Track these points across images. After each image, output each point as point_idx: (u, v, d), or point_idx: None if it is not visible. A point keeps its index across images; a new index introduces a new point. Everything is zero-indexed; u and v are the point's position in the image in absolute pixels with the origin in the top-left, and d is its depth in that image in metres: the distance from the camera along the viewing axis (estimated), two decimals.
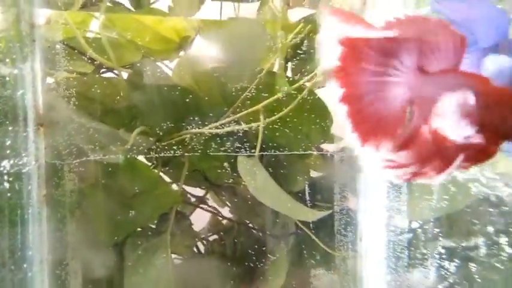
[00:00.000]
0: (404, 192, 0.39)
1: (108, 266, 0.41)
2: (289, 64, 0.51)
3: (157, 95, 0.47)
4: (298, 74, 0.50)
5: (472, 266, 0.33)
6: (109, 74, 0.50)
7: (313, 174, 0.53)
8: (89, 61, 0.47)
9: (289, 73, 0.53)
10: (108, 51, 0.44)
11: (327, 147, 0.51)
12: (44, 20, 0.38)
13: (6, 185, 0.30)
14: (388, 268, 0.40)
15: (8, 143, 0.31)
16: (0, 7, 0.34)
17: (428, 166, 0.22)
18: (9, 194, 0.31)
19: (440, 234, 0.37)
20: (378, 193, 0.41)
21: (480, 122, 0.22)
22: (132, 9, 0.50)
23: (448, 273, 0.35)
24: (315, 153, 0.46)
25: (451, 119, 0.21)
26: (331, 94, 0.37)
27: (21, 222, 0.33)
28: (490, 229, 0.31)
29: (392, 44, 0.21)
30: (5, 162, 0.30)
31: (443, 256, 0.35)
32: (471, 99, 0.23)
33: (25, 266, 0.33)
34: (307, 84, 0.45)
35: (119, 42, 0.48)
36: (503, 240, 0.31)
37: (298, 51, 0.49)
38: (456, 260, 0.34)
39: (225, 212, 0.58)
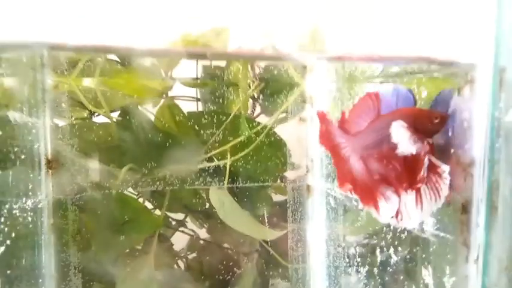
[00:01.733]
0: (341, 214, 0.49)
1: (102, 281, 0.50)
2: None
3: (142, 136, 0.57)
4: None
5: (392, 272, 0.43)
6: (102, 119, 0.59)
7: (277, 198, 0.62)
8: (85, 109, 0.56)
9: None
10: (101, 101, 0.54)
11: (289, 174, 0.61)
12: (52, 86, 0.47)
13: (29, 218, 0.39)
14: (329, 275, 0.49)
15: (30, 186, 0.40)
16: (20, 77, 0.43)
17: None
18: (30, 226, 0.40)
19: (369, 247, 0.47)
20: (321, 215, 0.51)
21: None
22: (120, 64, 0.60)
23: (376, 277, 0.45)
24: (270, 184, 0.56)
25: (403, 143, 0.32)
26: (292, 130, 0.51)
27: (37, 246, 0.41)
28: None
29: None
30: (28, 201, 0.39)
31: (372, 264, 0.45)
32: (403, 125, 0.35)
33: (40, 281, 0.41)
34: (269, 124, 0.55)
35: (110, 92, 0.57)
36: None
37: (264, 97, 0.60)
38: (381, 267, 0.44)
39: (203, 233, 0.66)
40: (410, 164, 0.31)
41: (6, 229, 0.32)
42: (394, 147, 0.32)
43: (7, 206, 0.33)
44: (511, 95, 0.25)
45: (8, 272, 0.34)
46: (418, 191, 0.31)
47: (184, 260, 0.65)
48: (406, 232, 0.38)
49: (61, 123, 0.50)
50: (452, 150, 0.30)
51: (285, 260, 0.53)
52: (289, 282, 0.52)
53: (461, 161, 0.28)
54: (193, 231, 0.64)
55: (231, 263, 0.57)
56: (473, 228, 0.27)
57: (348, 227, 0.48)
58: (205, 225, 0.64)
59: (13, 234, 0.33)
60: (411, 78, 0.36)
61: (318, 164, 0.52)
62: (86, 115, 0.57)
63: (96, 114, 0.56)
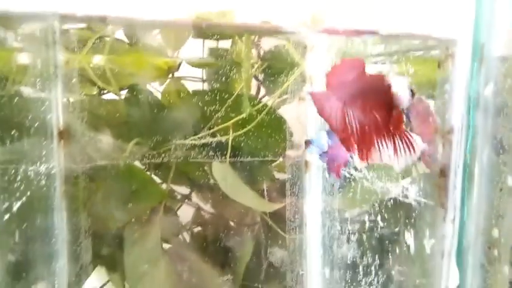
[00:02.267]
0: (336, 188, 0.52)
1: (111, 245, 0.53)
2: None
3: (149, 113, 0.59)
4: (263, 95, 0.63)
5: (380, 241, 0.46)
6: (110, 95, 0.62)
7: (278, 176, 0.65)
8: (94, 86, 0.59)
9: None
10: (110, 78, 0.57)
11: (290, 152, 0.64)
12: (64, 62, 0.49)
13: (43, 182, 0.42)
14: (324, 245, 0.52)
15: (44, 152, 0.43)
16: (33, 53, 0.46)
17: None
18: (44, 189, 0.43)
19: (362, 219, 0.50)
20: (317, 189, 0.54)
21: None
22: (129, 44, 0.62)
23: (365, 243, 0.47)
24: (269, 159, 0.58)
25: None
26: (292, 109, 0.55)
27: (50, 210, 0.45)
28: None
29: None
30: (42, 167, 0.42)
31: (361, 231, 0.47)
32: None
33: (54, 240, 0.45)
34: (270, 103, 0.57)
35: (119, 70, 0.60)
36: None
37: (266, 77, 0.62)
38: (369, 233, 0.46)
39: (207, 208, 0.69)
40: (393, 116, 0.35)
41: (22, 187, 0.35)
42: (379, 99, 0.36)
43: (23, 167, 0.36)
44: (490, 69, 0.27)
45: (24, 229, 0.38)
46: (395, 142, 0.35)
47: (189, 232, 0.68)
48: (391, 200, 0.40)
49: (72, 98, 0.53)
50: (431, 119, 0.32)
51: (283, 230, 0.56)
52: (286, 250, 0.55)
53: (441, 128, 0.30)
54: (198, 205, 0.67)
55: (233, 234, 0.60)
56: (450, 190, 0.29)
57: (342, 200, 0.50)
58: (209, 200, 0.68)
59: (28, 193, 0.36)
60: (401, 56, 0.38)
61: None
62: (95, 92, 0.60)
63: (105, 90, 0.59)
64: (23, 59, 0.47)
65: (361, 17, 0.42)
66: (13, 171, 0.33)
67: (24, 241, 0.40)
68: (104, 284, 0.59)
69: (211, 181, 0.63)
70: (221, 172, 0.55)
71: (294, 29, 0.45)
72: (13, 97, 0.45)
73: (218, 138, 0.56)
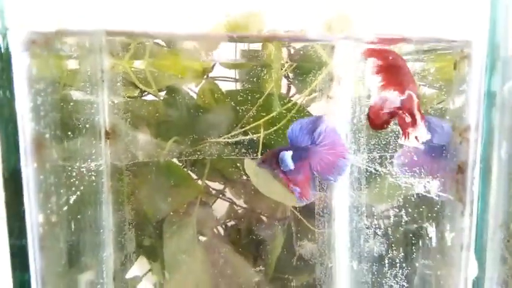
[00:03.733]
0: (363, 184, 0.53)
1: (152, 237, 0.58)
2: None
3: (185, 113, 0.63)
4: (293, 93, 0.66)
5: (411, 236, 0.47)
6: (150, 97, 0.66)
7: None
8: (136, 89, 0.63)
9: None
10: (150, 81, 0.61)
11: None
12: (109, 67, 0.54)
13: (93, 178, 0.47)
14: (351, 239, 0.54)
15: (93, 150, 0.48)
16: (83, 60, 0.51)
17: None
18: (93, 184, 0.47)
19: (387, 214, 0.51)
20: (345, 185, 0.56)
21: None
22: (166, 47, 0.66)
23: (390, 237, 0.49)
24: None
25: None
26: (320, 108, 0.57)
27: (99, 203, 0.49)
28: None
29: None
30: (92, 164, 0.47)
31: (387, 225, 0.49)
32: None
33: (101, 231, 0.50)
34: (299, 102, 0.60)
35: (157, 73, 0.64)
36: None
37: (295, 76, 0.64)
38: (394, 227, 0.48)
39: (240, 203, 0.73)
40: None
41: (76, 182, 0.39)
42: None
43: (77, 164, 0.41)
44: (506, 68, 0.28)
45: (77, 221, 0.42)
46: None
47: (223, 226, 0.72)
48: (415, 195, 0.41)
49: (116, 100, 0.58)
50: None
51: (312, 224, 0.58)
52: (315, 244, 0.58)
53: (457, 126, 0.32)
54: (231, 200, 0.70)
55: (264, 228, 0.63)
56: (468, 186, 0.30)
57: (369, 195, 0.52)
58: (242, 196, 0.71)
59: (81, 188, 0.40)
60: (423, 56, 0.39)
61: (344, 138, 0.56)
62: (137, 94, 0.64)
63: (146, 92, 0.63)
64: (73, 65, 0.52)
65: (379, 19, 0.44)
66: (69, 168, 0.37)
67: (77, 232, 0.45)
68: (146, 273, 0.64)
69: (244, 177, 0.66)
70: (253, 168, 0.58)
71: (321, 37, 0.48)
72: (66, 100, 0.50)
73: (250, 136, 0.59)
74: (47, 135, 0.29)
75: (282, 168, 0.46)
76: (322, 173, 0.49)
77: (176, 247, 0.59)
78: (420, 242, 0.42)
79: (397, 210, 0.43)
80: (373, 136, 0.47)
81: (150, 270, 0.64)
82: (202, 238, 0.65)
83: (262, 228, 0.62)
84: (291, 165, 0.44)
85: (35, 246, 0.27)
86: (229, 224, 0.71)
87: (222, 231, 0.71)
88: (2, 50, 0.26)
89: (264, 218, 0.64)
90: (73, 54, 0.45)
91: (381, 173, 0.44)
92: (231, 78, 0.67)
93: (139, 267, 0.63)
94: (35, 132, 0.27)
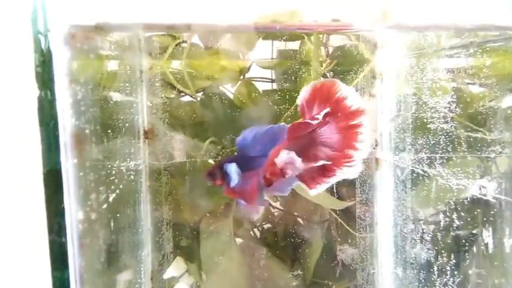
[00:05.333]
0: (408, 186, 0.50)
1: (189, 237, 0.57)
2: None
3: (222, 113, 0.63)
4: None
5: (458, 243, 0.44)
6: (187, 98, 0.66)
7: None
8: (174, 89, 0.63)
9: None
10: (187, 82, 0.61)
11: None
12: (148, 67, 0.54)
13: (132, 177, 0.47)
14: (396, 245, 0.51)
15: (132, 150, 0.48)
16: (123, 60, 0.51)
17: None
18: (132, 183, 0.48)
19: (436, 218, 0.48)
20: (389, 187, 0.53)
21: None
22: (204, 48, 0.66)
23: (440, 242, 0.46)
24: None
25: None
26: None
27: (138, 202, 0.50)
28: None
29: None
30: (131, 163, 0.47)
31: (436, 230, 0.46)
32: None
33: (140, 230, 0.50)
34: None
35: (194, 74, 0.64)
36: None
37: (335, 75, 0.62)
38: (444, 232, 0.45)
39: (277, 205, 0.71)
40: None
41: (116, 181, 0.39)
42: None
43: (117, 163, 0.41)
44: None
45: (116, 220, 0.42)
46: None
47: (259, 228, 0.70)
48: (468, 198, 0.38)
49: (154, 101, 0.58)
50: None
51: (353, 228, 0.56)
52: (356, 249, 0.55)
53: None
54: (268, 202, 0.69)
55: (303, 231, 0.61)
56: None
57: (416, 198, 0.49)
58: (279, 198, 0.69)
59: (121, 186, 0.40)
60: (477, 48, 0.36)
61: (387, 137, 0.53)
62: (174, 95, 0.64)
63: (183, 94, 0.63)
64: (112, 66, 0.53)
65: (429, 10, 0.41)
66: (109, 166, 0.38)
67: (116, 231, 0.45)
68: (183, 274, 0.64)
69: None
70: None
71: (364, 26, 0.45)
72: (106, 100, 0.50)
73: None
74: (87, 131, 0.29)
75: (227, 182, 0.42)
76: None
77: (213, 248, 0.58)
78: (474, 248, 0.39)
79: (447, 214, 0.41)
80: (420, 136, 0.44)
81: (186, 271, 0.63)
82: (238, 240, 0.64)
83: (300, 232, 0.60)
84: (235, 179, 0.41)
85: (74, 243, 0.26)
86: (265, 226, 0.70)
87: (258, 234, 0.70)
88: (43, 47, 0.27)
89: (301, 221, 0.63)
90: (112, 54, 0.45)
91: (430, 174, 0.42)
92: (268, 78, 0.66)
93: (175, 268, 0.63)
94: (75, 128, 0.26)
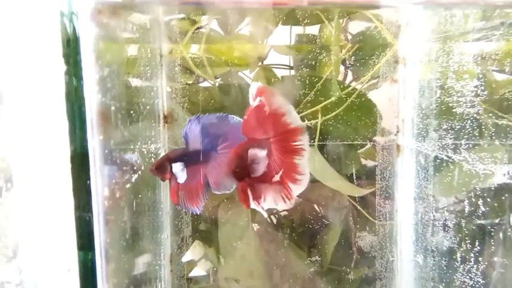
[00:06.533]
0: (431, 173, 0.49)
1: (207, 222, 0.57)
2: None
3: (240, 99, 0.62)
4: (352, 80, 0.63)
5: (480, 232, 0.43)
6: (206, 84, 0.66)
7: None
8: (193, 74, 0.63)
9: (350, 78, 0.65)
10: (206, 67, 0.61)
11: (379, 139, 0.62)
12: (167, 51, 0.54)
13: (152, 160, 0.47)
14: (416, 232, 0.50)
15: (152, 133, 0.48)
16: (143, 44, 0.51)
17: None
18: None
19: (456, 208, 0.47)
20: (410, 174, 0.52)
21: None
22: (223, 34, 0.66)
23: (464, 230, 0.45)
24: (359, 143, 0.57)
25: None
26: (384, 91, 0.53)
27: (157, 185, 0.50)
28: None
29: None
30: (152, 145, 0.47)
31: (460, 217, 0.45)
32: None
33: (159, 213, 0.50)
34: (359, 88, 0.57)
35: (214, 60, 0.64)
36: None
37: (356, 60, 0.61)
38: (469, 219, 0.44)
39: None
40: None
41: (138, 161, 0.40)
42: None
43: (139, 144, 0.41)
44: None
45: (139, 199, 0.43)
46: None
47: (276, 216, 0.70)
48: (495, 183, 0.37)
49: (173, 86, 0.58)
50: None
51: (372, 216, 0.55)
52: (375, 235, 0.55)
53: None
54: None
55: (321, 218, 0.61)
56: None
57: (439, 185, 0.48)
58: None
59: (142, 167, 0.41)
60: (506, 30, 0.35)
61: (409, 123, 0.52)
62: (193, 81, 0.64)
63: (202, 79, 0.63)
64: (133, 50, 0.53)
65: None
66: (132, 147, 0.38)
67: (138, 212, 0.46)
68: (200, 258, 0.64)
69: None
70: (309, 155, 0.56)
71: (390, 2, 0.44)
72: (128, 84, 0.51)
73: (307, 122, 0.57)
74: (113, 108, 0.29)
75: (176, 177, 0.40)
76: (215, 182, 0.43)
77: (230, 233, 0.58)
78: (500, 236, 0.38)
79: (473, 200, 0.40)
80: (445, 121, 0.43)
81: (203, 256, 0.64)
82: (255, 226, 0.64)
83: (318, 218, 0.60)
84: (182, 177, 0.39)
85: (100, 220, 0.27)
86: (282, 213, 0.70)
87: (275, 220, 0.70)
88: (70, 24, 0.27)
89: (320, 208, 0.62)
90: (134, 36, 0.45)
91: (454, 160, 0.41)
92: (286, 65, 0.65)
93: (193, 252, 0.63)
94: (101, 104, 0.27)
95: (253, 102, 0.39)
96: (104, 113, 0.27)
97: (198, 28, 0.58)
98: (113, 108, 0.29)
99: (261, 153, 0.38)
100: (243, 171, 0.38)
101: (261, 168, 0.39)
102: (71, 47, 0.26)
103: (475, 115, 0.40)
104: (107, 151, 0.28)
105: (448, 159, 0.42)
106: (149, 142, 0.46)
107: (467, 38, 0.44)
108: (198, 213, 0.42)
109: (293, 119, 0.39)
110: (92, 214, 0.27)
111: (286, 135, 0.38)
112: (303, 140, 0.39)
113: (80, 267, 0.27)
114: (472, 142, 0.40)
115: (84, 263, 0.28)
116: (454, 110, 0.42)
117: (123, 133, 0.34)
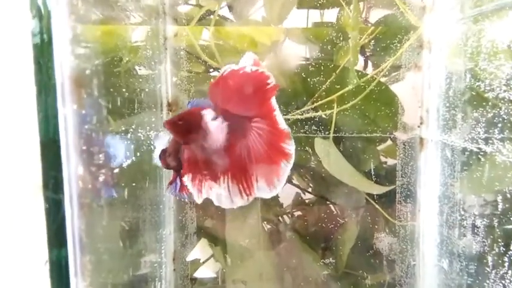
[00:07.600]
0: (458, 170, 0.44)
1: (214, 217, 0.54)
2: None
3: None
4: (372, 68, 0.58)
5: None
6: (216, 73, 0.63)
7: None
8: (202, 63, 0.60)
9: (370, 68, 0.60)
10: (216, 55, 0.57)
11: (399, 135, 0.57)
12: (172, 34, 0.51)
13: (152, 148, 0.44)
14: (441, 234, 0.45)
15: (153, 120, 0.45)
16: (145, 26, 0.48)
17: None
18: (154, 159, 0.45)
19: (488, 207, 0.42)
20: (435, 170, 0.47)
21: None
22: (234, 20, 0.63)
23: (497, 239, 0.40)
24: (378, 135, 0.53)
25: None
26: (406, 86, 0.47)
27: (159, 179, 0.47)
28: None
29: None
30: (152, 134, 0.44)
31: (492, 224, 0.40)
32: None
33: (161, 207, 0.47)
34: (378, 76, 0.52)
35: (223, 47, 0.60)
36: None
37: (376, 45, 0.57)
38: (501, 221, 0.39)
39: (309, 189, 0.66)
40: None
41: (132, 146, 0.37)
42: None
43: (140, 131, 0.38)
44: None
45: (133, 188, 0.39)
46: None
47: (289, 215, 0.66)
48: None
49: (179, 73, 0.55)
50: None
51: (392, 216, 0.50)
52: (395, 237, 0.50)
53: None
54: (299, 186, 0.64)
55: (337, 217, 0.57)
56: None
57: (467, 182, 0.43)
58: (310, 184, 0.65)
59: (138, 154, 0.38)
60: None
61: (434, 114, 0.47)
62: (201, 70, 0.61)
63: (212, 70, 0.60)
64: (137, 35, 0.50)
65: None
66: (133, 135, 0.35)
67: (132, 203, 0.43)
68: (208, 258, 0.61)
69: (313, 163, 0.60)
70: (324, 148, 0.52)
71: None
72: (130, 71, 0.48)
73: (321, 112, 0.53)
74: (88, 72, 0.25)
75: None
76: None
77: (239, 231, 0.54)
78: None
79: (507, 197, 0.35)
80: (476, 109, 0.38)
81: (212, 255, 0.60)
82: (266, 225, 0.60)
83: (333, 218, 0.56)
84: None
85: (72, 202, 0.23)
86: (295, 213, 0.66)
87: (287, 220, 0.66)
88: None
89: (335, 207, 0.58)
90: (137, 18, 0.42)
91: (486, 152, 0.36)
92: (302, 57, 0.61)
93: (199, 252, 0.60)
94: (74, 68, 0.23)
95: (240, 65, 0.35)
96: (77, 78, 0.24)
97: (207, 12, 0.54)
98: (88, 68, 0.25)
99: (213, 123, 0.34)
100: (185, 130, 0.34)
101: (216, 138, 0.34)
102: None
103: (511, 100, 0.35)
104: (80, 122, 0.24)
105: (478, 151, 0.37)
106: (149, 129, 0.43)
107: (502, 14, 0.39)
108: (187, 200, 0.39)
109: (280, 120, 0.35)
110: (63, 195, 0.23)
111: (273, 123, 0.34)
112: (291, 147, 0.35)
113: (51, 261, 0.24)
114: (507, 131, 0.35)
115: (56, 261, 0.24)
116: (486, 95, 0.37)
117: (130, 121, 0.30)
